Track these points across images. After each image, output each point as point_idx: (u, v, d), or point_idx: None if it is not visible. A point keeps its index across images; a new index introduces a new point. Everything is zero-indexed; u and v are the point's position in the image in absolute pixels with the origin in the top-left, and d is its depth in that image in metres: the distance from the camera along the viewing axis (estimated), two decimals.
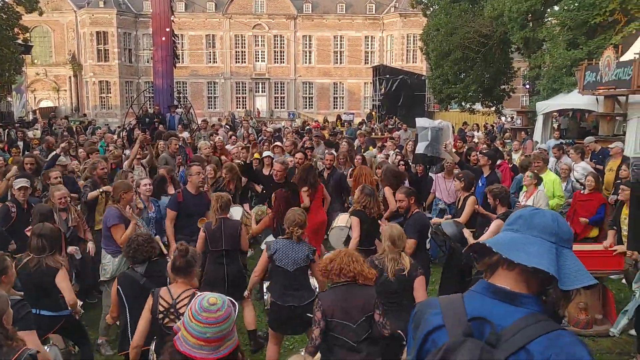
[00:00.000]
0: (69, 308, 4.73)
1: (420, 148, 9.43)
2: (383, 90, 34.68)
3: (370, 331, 3.93)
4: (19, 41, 29.33)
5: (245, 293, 5.67)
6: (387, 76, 35.16)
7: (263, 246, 6.72)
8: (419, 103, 34.77)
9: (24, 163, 8.28)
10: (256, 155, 10.20)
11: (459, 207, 7.19)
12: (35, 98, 47.65)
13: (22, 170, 8.16)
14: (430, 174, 9.59)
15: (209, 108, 48.23)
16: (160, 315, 3.75)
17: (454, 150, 9.55)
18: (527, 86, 27.62)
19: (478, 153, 9.30)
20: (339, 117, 30.55)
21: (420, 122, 9.92)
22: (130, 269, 4.58)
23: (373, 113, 34.77)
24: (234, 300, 2.35)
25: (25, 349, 3.05)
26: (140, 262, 4.48)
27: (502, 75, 27.02)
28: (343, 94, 51.67)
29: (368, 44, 51.41)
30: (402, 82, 34.58)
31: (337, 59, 51.40)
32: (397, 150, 12.31)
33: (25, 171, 7.93)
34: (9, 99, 33.45)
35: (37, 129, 23.81)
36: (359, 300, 3.90)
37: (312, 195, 7.22)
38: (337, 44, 51.15)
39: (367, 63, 49.72)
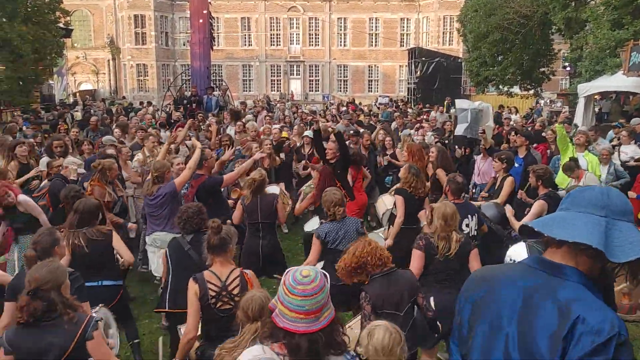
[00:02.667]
0: (128, 266, 5.05)
1: (460, 130, 9.33)
2: (419, 73, 34.32)
3: (414, 317, 3.93)
4: (60, 25, 29.93)
5: None
6: (423, 59, 34.74)
7: (307, 228, 6.78)
8: (455, 86, 34.29)
9: (52, 146, 8.41)
10: (284, 134, 10.37)
11: (497, 187, 7.13)
12: (75, 81, 48.65)
13: (48, 152, 8.39)
14: (475, 156, 9.47)
15: (244, 91, 48.47)
16: (213, 300, 3.75)
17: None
18: (568, 68, 26.98)
19: (514, 133, 9.17)
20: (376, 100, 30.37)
21: (460, 103, 9.81)
22: (180, 236, 4.85)
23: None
24: (325, 272, 2.35)
25: (91, 316, 3.20)
26: (189, 231, 4.77)
27: (541, 58, 26.41)
28: (378, 77, 51.25)
29: (404, 26, 50.74)
30: (438, 65, 34.13)
31: (372, 42, 50.92)
32: (433, 132, 12.23)
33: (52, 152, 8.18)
34: (51, 81, 34.27)
35: (77, 111, 24.38)
36: (404, 287, 3.90)
37: (355, 175, 7.28)
38: (372, 26, 50.64)
39: (403, 45, 49.13)
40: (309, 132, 9.90)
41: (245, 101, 23.03)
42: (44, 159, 8.05)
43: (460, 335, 2.08)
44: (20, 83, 25.93)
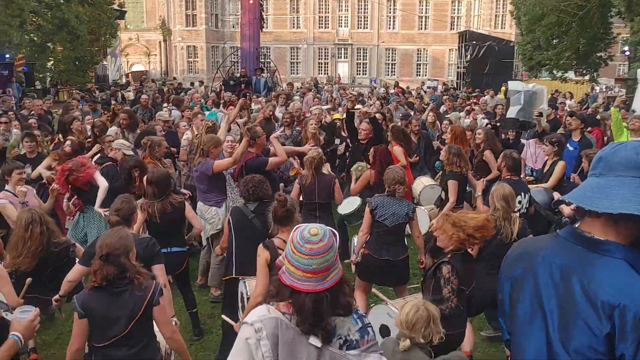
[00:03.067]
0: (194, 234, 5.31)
1: (512, 112, 9.15)
2: (469, 57, 33.56)
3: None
4: (115, 6, 30.69)
5: (352, 257, 5.72)
6: (474, 42, 33.90)
7: (342, 210, 6.83)
8: (507, 71, 33.42)
9: (121, 118, 8.78)
10: (336, 116, 10.39)
11: (545, 170, 6.99)
12: (128, 62, 49.77)
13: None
14: (522, 140, 9.31)
15: (291, 73, 48.58)
16: (273, 283, 3.85)
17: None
18: (627, 52, 25.93)
19: (569, 116, 8.94)
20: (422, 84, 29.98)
21: (513, 85, 9.61)
22: (243, 205, 5.02)
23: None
24: (334, 231, 2.28)
25: (157, 282, 3.34)
26: (255, 200, 4.92)
27: (599, 42, 25.42)
28: (427, 60, 50.50)
29: (454, 9, 49.73)
30: (489, 49, 33.27)
31: (421, 25, 50.13)
32: (483, 115, 12.04)
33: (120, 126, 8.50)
34: (105, 62, 35.25)
35: (129, 91, 25.01)
36: (473, 269, 4.03)
37: (405, 151, 7.28)
38: (422, 9, 49.82)
39: (453, 29, 48.14)
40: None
41: (293, 83, 23.09)
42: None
43: (504, 312, 2.06)
44: (77, 63, 26.80)
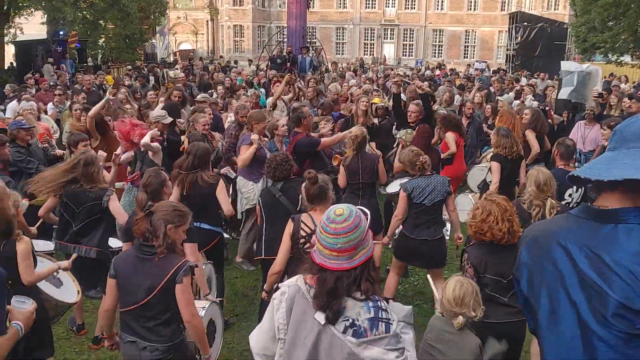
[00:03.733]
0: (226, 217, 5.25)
1: (564, 93, 8.88)
2: (519, 39, 32.66)
3: None
4: None
5: (385, 239, 5.68)
6: (525, 24, 32.93)
7: (389, 189, 6.80)
8: (558, 53, 32.40)
9: (171, 95, 8.89)
10: (375, 100, 10.28)
11: (596, 154, 6.79)
12: (175, 40, 50.45)
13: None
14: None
15: (336, 54, 48.34)
16: (302, 240, 3.87)
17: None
18: None
19: (627, 98, 8.60)
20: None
21: (566, 65, 9.31)
22: (271, 184, 5.03)
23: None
24: (365, 210, 2.34)
25: (186, 260, 3.27)
26: (278, 179, 4.92)
27: None
28: (475, 42, 49.41)
29: None
30: (540, 31, 32.27)
31: (470, 5, 48.99)
32: (532, 97, 11.76)
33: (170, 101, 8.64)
34: (154, 41, 35.81)
35: (177, 69, 25.37)
36: (511, 255, 3.71)
37: (458, 140, 7.13)
38: None
39: (504, 10, 46.88)
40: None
41: (337, 62, 23.00)
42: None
43: (525, 302, 1.97)
44: (127, 41, 27.33)
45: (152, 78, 16.68)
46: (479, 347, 3.22)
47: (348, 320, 2.19)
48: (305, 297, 2.26)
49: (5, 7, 22.95)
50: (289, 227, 3.93)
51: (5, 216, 2.34)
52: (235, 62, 27.86)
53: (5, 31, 24.51)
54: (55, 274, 4.20)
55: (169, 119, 6.90)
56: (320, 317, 2.20)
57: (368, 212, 2.35)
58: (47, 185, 4.79)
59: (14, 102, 9.29)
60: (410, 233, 5.20)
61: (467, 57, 47.69)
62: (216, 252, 5.32)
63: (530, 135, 7.07)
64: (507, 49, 36.01)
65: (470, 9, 49.04)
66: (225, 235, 6.27)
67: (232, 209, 5.35)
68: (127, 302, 3.24)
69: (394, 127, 8.50)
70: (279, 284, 2.40)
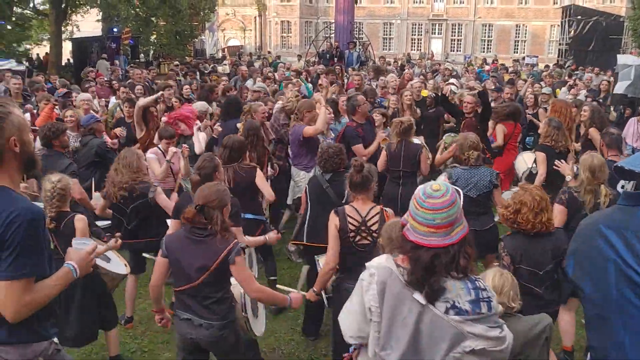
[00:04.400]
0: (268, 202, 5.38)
1: (620, 88, 8.63)
2: (572, 33, 31.73)
3: (555, 277, 3.83)
4: None
5: None
6: (579, 17, 31.96)
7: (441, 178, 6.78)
8: (614, 48, 31.31)
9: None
10: (424, 93, 10.25)
11: None
12: (224, 37, 51.13)
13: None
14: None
15: (383, 49, 47.98)
16: (352, 234, 3.86)
17: None
18: None
19: None
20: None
21: (623, 59, 9.06)
22: (320, 174, 5.11)
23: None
24: (459, 189, 2.31)
25: (237, 241, 3.37)
26: (328, 170, 5.00)
27: None
28: (525, 37, 48.25)
29: None
30: (595, 24, 31.26)
31: None
32: (587, 93, 11.45)
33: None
34: (203, 37, 36.40)
35: (226, 65, 25.76)
36: (548, 246, 3.78)
37: (511, 131, 7.03)
38: None
39: (556, 3, 45.60)
40: (453, 87, 9.77)
41: (385, 57, 22.88)
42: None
43: (581, 291, 2.01)
44: (177, 37, 27.89)
45: (197, 73, 17.08)
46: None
47: (448, 302, 2.14)
48: (398, 279, 2.21)
49: (62, 6, 23.77)
50: (334, 220, 3.90)
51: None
52: (278, 57, 28.00)
53: (63, 29, 25.38)
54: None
55: (212, 110, 7.16)
56: (420, 297, 2.15)
57: (461, 191, 2.36)
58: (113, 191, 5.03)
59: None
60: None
61: (517, 52, 46.58)
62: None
63: (595, 134, 6.87)
64: (560, 44, 35.06)
65: (522, 3, 47.90)
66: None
67: (273, 194, 5.42)
68: (182, 281, 3.36)
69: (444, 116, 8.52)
70: (368, 265, 2.32)
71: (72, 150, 6.50)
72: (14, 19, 22.89)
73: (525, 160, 7.13)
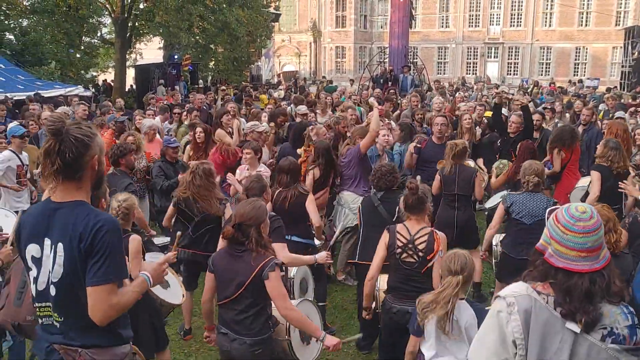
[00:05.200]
0: (315, 231, 5.35)
1: None
2: (636, 54, 30.71)
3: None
4: (271, 10, 32.36)
5: (481, 253, 5.67)
6: None
7: (489, 204, 6.69)
8: None
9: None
10: (487, 114, 10.15)
11: None
12: (279, 62, 52.17)
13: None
14: None
15: (438, 73, 47.76)
16: (399, 250, 3.94)
17: None
18: None
19: None
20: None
21: None
22: (372, 193, 5.20)
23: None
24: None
25: (272, 257, 3.43)
26: (381, 188, 5.05)
27: None
28: (586, 59, 46.99)
29: (621, 3, 45.59)
30: None
31: (582, 21, 46.70)
32: None
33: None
34: (259, 62, 37.28)
35: (281, 90, 26.26)
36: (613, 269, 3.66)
37: (568, 155, 6.85)
38: (583, 4, 46.31)
39: (618, 25, 44.28)
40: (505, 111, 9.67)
41: (440, 80, 22.80)
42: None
43: None
44: (235, 63, 28.68)
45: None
46: None
47: (606, 328, 2.01)
48: (544, 308, 2.06)
49: (127, 35, 24.91)
50: (385, 237, 4.02)
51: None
52: (330, 81, 28.28)
53: (127, 56, 26.57)
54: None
55: (262, 127, 7.32)
56: (574, 326, 2.00)
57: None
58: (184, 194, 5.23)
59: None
60: (511, 252, 5.07)
61: (577, 75, 45.34)
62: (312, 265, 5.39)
63: None
64: (623, 66, 33.96)
65: (582, 25, 46.75)
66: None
67: (321, 221, 5.47)
68: (222, 295, 3.48)
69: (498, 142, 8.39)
70: (501, 294, 2.16)
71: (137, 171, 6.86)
72: (82, 47, 24.09)
73: (579, 181, 6.95)
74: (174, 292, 4.73)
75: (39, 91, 16.04)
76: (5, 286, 3.18)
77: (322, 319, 5.49)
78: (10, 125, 8.33)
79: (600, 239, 2.08)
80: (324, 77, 39.57)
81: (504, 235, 5.36)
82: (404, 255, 3.93)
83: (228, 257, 3.47)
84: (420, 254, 3.89)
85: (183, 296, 4.83)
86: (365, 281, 4.12)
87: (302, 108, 10.00)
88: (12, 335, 3.71)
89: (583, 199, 6.17)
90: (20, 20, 21.76)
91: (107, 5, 25.21)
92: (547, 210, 2.45)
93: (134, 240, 4.23)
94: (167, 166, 6.87)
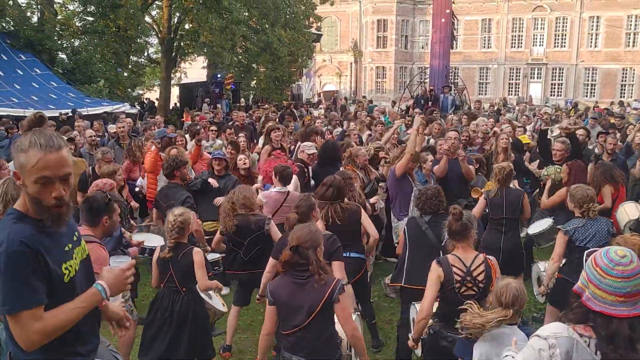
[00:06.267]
0: (370, 244, 5.37)
1: None
2: None
3: None
4: (312, 30, 32.79)
5: (541, 288, 5.47)
6: None
7: (532, 230, 6.56)
8: None
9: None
10: (526, 139, 9.98)
11: None
12: (320, 82, 52.71)
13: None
14: None
15: (479, 94, 47.34)
16: (457, 285, 3.74)
17: None
18: None
19: None
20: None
21: None
22: (419, 216, 5.10)
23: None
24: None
25: (338, 279, 3.43)
26: (427, 212, 4.98)
27: None
28: (633, 80, 45.81)
29: None
30: None
31: (629, 42, 45.65)
32: None
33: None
34: (300, 82, 37.73)
35: (321, 109, 26.50)
36: None
37: (615, 194, 6.62)
38: (630, 24, 45.29)
39: None
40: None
41: (481, 101, 22.60)
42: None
43: None
44: (276, 82, 29.11)
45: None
46: None
47: None
48: (586, 351, 2.09)
49: (173, 54, 25.61)
50: (437, 271, 3.78)
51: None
52: (371, 101, 28.39)
53: (172, 75, 27.28)
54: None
55: (312, 150, 7.41)
56: None
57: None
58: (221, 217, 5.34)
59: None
60: (572, 278, 4.88)
61: (623, 97, 44.27)
62: (362, 280, 5.38)
63: None
64: None
65: (629, 46, 45.71)
66: None
67: (377, 233, 5.45)
68: (289, 325, 3.41)
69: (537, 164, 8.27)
70: (541, 334, 2.19)
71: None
72: (130, 66, 24.88)
73: (627, 212, 6.70)
74: (216, 301, 4.85)
75: (88, 107, 16.67)
76: None
77: (374, 337, 5.56)
78: None
79: (639, 286, 2.08)
80: (364, 96, 39.76)
81: (551, 263, 5.17)
82: (463, 289, 3.73)
83: (291, 286, 3.40)
84: (481, 285, 3.73)
85: (224, 305, 4.94)
86: (418, 319, 3.88)
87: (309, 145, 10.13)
88: None
89: (636, 229, 6.01)
90: (72, 40, 22.62)
91: (154, 26, 26.07)
92: (586, 253, 2.43)
93: (198, 254, 4.37)
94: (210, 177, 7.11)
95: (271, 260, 4.61)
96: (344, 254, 4.62)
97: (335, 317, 3.47)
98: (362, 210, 5.34)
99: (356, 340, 3.49)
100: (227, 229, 5.21)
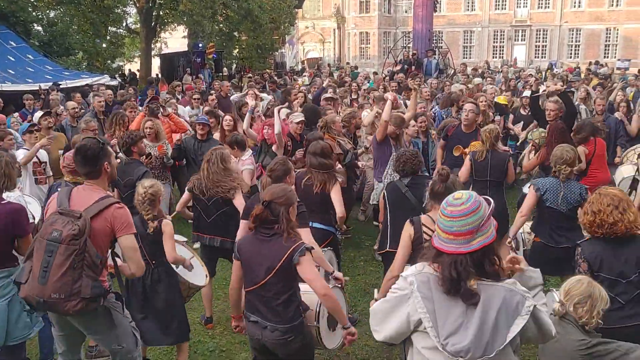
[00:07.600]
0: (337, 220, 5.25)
1: None
2: None
3: None
4: None
5: (509, 240, 5.54)
6: None
7: (526, 189, 6.57)
8: None
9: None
10: (502, 100, 10.00)
11: None
12: (304, 49, 52.11)
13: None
14: None
15: (463, 57, 47.04)
16: (427, 244, 3.76)
17: None
18: None
19: None
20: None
21: None
22: (398, 179, 5.07)
23: None
24: (489, 198, 2.33)
25: (302, 242, 3.34)
26: (406, 174, 4.97)
27: None
28: (617, 40, 45.77)
29: None
30: None
31: (612, 1, 45.41)
32: None
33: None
34: (283, 50, 37.30)
35: (305, 77, 26.23)
36: (633, 253, 3.50)
37: (592, 149, 6.64)
38: None
39: None
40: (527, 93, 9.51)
41: (466, 64, 22.49)
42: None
43: None
44: (259, 51, 28.76)
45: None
46: None
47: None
48: (438, 284, 2.26)
49: (152, 24, 25.11)
50: (409, 230, 3.87)
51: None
52: (355, 67, 28.10)
53: (152, 45, 26.80)
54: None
55: (300, 118, 7.32)
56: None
57: (492, 200, 2.33)
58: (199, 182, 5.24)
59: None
60: (548, 241, 4.92)
61: (607, 57, 44.26)
62: (335, 246, 5.35)
63: None
64: None
65: (612, 5, 45.48)
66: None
67: (344, 212, 5.29)
68: (250, 281, 3.38)
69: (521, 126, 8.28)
70: (401, 274, 2.39)
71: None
72: (108, 37, 24.39)
73: (622, 172, 6.73)
74: (197, 273, 4.79)
75: (67, 80, 16.32)
76: (26, 260, 3.21)
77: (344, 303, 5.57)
78: (35, 115, 8.47)
79: (470, 225, 2.21)
80: (347, 63, 39.43)
81: (518, 217, 5.18)
82: None
83: (256, 242, 3.36)
84: None
85: (207, 276, 4.89)
86: (388, 277, 3.89)
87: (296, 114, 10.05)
88: (38, 313, 3.77)
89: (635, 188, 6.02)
90: (47, 11, 22.06)
91: None
92: None
93: (168, 225, 4.28)
94: (195, 142, 7.19)
95: (242, 223, 4.48)
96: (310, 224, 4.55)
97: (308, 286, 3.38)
98: (337, 184, 5.22)
99: (329, 300, 3.33)
100: (194, 187, 5.16)
